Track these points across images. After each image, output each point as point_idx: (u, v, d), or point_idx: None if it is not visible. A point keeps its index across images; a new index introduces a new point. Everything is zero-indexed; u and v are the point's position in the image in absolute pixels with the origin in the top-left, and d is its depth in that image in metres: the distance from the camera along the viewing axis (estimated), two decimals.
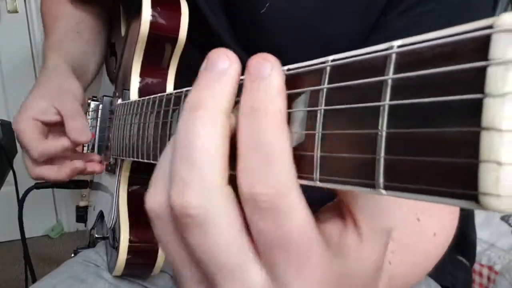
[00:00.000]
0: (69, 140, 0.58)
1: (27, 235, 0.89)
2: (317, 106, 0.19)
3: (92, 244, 0.87)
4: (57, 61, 0.67)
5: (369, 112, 0.16)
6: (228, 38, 0.57)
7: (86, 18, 0.80)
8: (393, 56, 0.15)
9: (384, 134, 0.15)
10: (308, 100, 0.19)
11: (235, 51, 0.59)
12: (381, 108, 0.15)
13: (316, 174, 0.18)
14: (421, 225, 0.39)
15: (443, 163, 0.13)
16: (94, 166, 0.66)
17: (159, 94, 0.42)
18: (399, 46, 0.15)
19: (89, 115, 0.83)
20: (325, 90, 0.18)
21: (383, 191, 0.15)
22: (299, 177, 0.19)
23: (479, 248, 1.04)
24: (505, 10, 0.82)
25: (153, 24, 0.57)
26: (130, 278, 0.61)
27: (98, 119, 0.78)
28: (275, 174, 0.18)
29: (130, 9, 0.70)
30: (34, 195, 0.87)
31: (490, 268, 1.08)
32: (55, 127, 0.60)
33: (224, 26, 0.57)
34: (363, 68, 0.17)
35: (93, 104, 0.82)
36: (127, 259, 0.57)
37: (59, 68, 0.66)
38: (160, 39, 0.59)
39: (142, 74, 0.61)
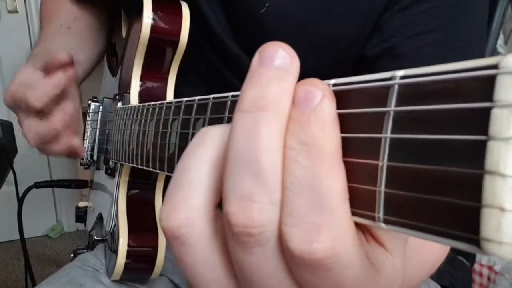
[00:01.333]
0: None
1: (27, 235, 0.89)
2: None
3: (91, 245, 0.87)
4: (38, 51, 0.68)
5: (371, 143, 0.16)
6: (228, 39, 0.57)
7: (84, 15, 0.80)
8: (396, 87, 0.15)
9: (385, 166, 0.15)
10: None
11: (235, 52, 0.58)
12: (383, 139, 0.15)
13: None
14: None
15: (445, 202, 0.13)
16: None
17: (159, 102, 0.42)
18: (401, 77, 0.15)
19: (89, 116, 0.83)
20: None
21: (383, 225, 0.15)
22: None
23: None
24: (505, 10, 0.82)
25: (154, 28, 0.57)
26: (129, 283, 0.61)
27: (99, 121, 0.78)
28: (334, 226, 0.16)
29: (131, 12, 0.70)
30: (34, 194, 0.87)
31: (490, 268, 1.08)
32: None
33: (224, 26, 0.57)
34: (364, 96, 0.16)
35: (93, 105, 0.81)
36: (125, 264, 0.56)
37: (39, 54, 0.67)
38: (161, 43, 0.58)
39: (142, 78, 0.61)
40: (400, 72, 0.15)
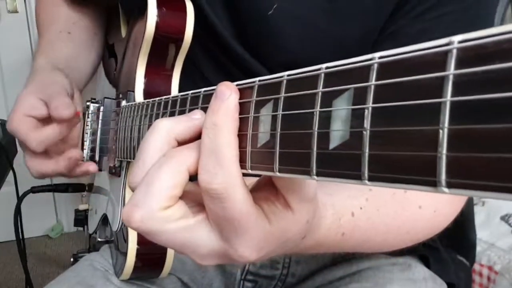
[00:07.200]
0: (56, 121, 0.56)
1: (27, 235, 0.88)
2: (364, 104, 0.18)
3: (92, 248, 0.86)
4: (41, 63, 0.67)
5: (428, 109, 0.16)
6: (232, 38, 0.57)
7: (81, 19, 0.79)
8: (454, 51, 0.15)
9: (446, 130, 0.15)
10: (353, 97, 0.19)
11: (238, 51, 0.58)
12: (443, 104, 0.15)
13: (365, 172, 0.18)
14: (406, 196, 0.43)
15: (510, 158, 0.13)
16: (88, 165, 0.67)
17: (171, 95, 0.41)
18: (460, 42, 0.15)
19: (88, 117, 0.82)
20: (373, 87, 0.18)
21: (446, 189, 0.15)
22: (344, 176, 0.19)
23: (479, 248, 1.04)
24: (505, 10, 0.83)
25: (159, 26, 0.57)
26: (138, 282, 0.60)
27: (100, 121, 0.77)
28: (223, 175, 0.26)
29: (131, 11, 0.70)
30: (34, 195, 0.86)
31: (490, 268, 1.09)
32: (49, 121, 0.58)
33: (227, 26, 0.57)
34: (417, 65, 0.16)
35: (92, 107, 0.80)
36: (135, 263, 0.56)
37: (42, 68, 0.66)
38: (166, 40, 0.58)
39: (147, 76, 0.60)
40: (458, 37, 0.15)
